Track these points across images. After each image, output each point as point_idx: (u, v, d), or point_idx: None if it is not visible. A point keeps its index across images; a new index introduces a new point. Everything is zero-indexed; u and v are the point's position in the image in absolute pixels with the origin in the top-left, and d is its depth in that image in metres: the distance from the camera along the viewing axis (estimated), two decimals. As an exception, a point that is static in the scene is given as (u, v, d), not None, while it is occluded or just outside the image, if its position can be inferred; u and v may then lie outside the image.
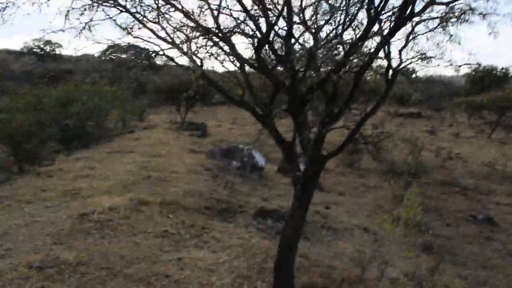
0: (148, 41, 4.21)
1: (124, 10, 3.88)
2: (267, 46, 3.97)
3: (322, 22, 4.20)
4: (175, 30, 4.02)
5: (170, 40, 3.96)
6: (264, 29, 3.85)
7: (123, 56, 51.40)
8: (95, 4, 3.85)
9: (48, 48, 53.92)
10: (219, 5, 3.75)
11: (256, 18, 3.82)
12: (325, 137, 4.32)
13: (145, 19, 3.97)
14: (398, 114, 32.20)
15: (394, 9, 3.75)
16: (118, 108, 17.46)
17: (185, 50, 3.85)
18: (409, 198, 5.22)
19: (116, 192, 7.37)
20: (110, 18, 4.30)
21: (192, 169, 10.40)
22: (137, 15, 3.96)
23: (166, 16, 3.98)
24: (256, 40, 3.94)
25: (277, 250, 4.17)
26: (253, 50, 3.96)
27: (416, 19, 3.85)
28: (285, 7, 3.70)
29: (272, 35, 3.89)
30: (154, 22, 3.97)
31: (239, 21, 3.94)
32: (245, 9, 3.73)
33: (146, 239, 5.49)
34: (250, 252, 5.43)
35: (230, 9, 3.92)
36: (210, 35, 3.85)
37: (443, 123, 30.89)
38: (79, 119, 14.09)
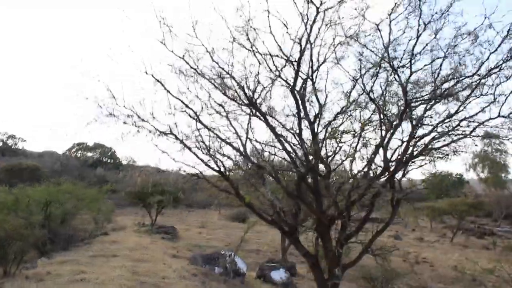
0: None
1: (180, 141, 4.68)
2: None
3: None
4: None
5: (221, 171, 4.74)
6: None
7: (89, 154, 51.75)
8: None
9: (10, 142, 53.27)
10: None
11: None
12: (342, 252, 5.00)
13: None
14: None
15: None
16: (94, 209, 17.46)
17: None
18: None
19: (119, 298, 7.48)
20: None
21: (180, 275, 10.53)
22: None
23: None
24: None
25: None
26: (295, 185, 4.82)
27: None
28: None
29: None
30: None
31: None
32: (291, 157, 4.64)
33: None
34: None
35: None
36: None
37: (406, 228, 32.16)
38: (59, 221, 14.04)
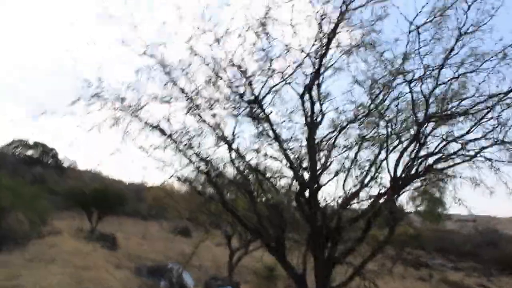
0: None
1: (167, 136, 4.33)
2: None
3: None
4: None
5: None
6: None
7: (29, 152, 48.60)
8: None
9: None
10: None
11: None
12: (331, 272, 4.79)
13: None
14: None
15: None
16: (32, 209, 16.26)
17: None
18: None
19: (62, 307, 6.83)
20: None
21: (125, 286, 9.93)
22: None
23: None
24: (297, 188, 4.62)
25: None
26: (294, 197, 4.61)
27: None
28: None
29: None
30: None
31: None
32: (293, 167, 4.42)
33: None
34: None
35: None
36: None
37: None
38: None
